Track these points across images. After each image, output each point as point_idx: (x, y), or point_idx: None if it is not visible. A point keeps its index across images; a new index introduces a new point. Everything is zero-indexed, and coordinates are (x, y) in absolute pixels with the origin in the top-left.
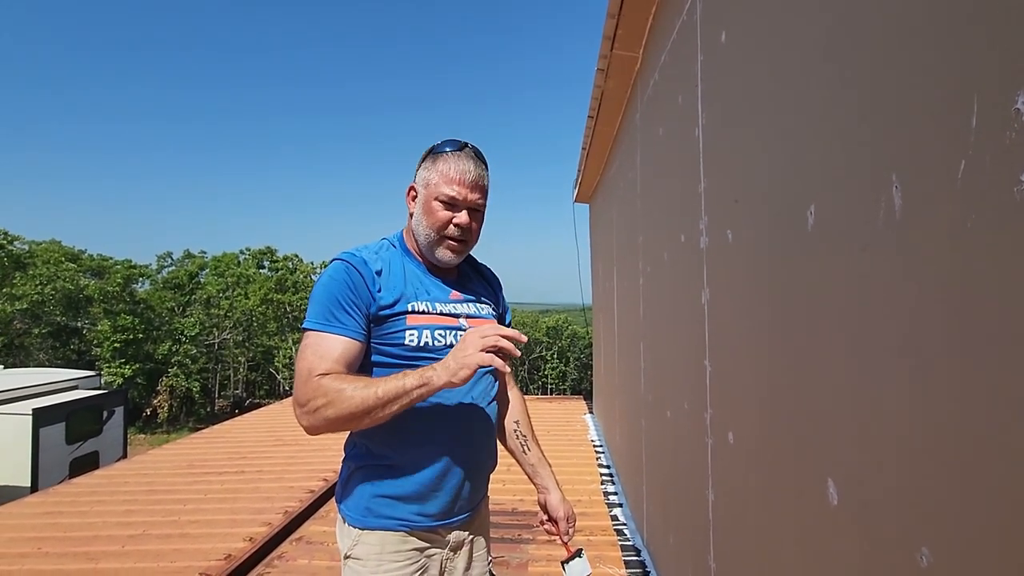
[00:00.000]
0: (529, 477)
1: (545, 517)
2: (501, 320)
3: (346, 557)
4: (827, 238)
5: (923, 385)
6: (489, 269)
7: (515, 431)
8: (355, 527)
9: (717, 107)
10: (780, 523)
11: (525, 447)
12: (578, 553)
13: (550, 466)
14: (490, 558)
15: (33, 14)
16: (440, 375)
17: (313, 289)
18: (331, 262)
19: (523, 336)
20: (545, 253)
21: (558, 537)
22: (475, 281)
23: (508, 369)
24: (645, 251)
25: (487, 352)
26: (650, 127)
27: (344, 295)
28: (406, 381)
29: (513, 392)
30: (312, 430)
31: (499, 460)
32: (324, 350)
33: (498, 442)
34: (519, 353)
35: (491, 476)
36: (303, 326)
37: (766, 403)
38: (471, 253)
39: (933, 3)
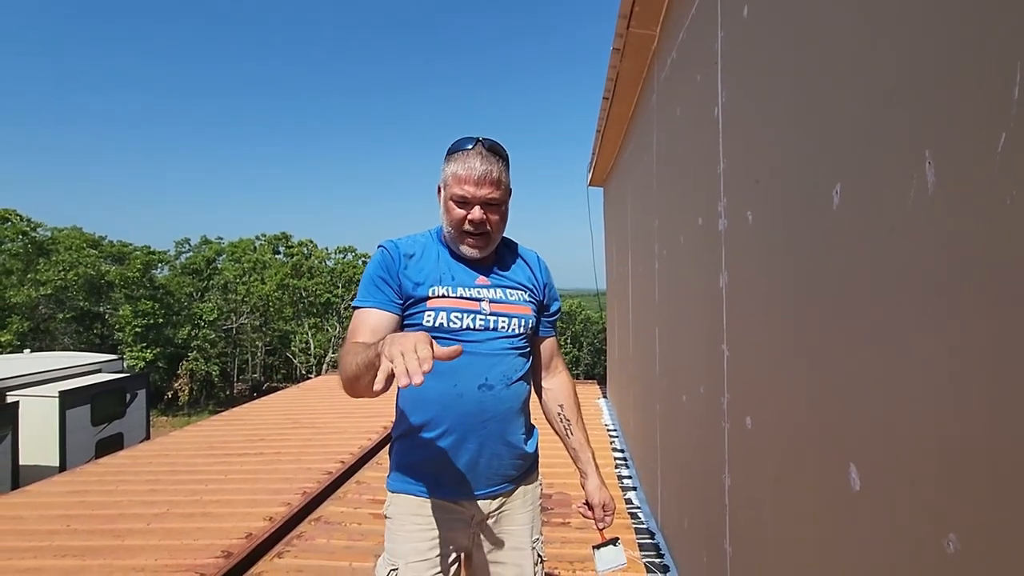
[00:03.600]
0: (572, 460)
1: (583, 500)
2: (544, 308)
3: (385, 516)
4: (854, 217)
5: (954, 369)
6: (535, 256)
7: (559, 415)
8: (389, 490)
9: (738, 85)
10: (799, 508)
11: (568, 431)
12: (612, 542)
13: (592, 451)
14: (536, 537)
15: None
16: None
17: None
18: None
19: (443, 353)
20: (558, 236)
21: (594, 522)
22: (513, 268)
23: (376, 388)
24: (661, 234)
25: (396, 359)
26: (667, 107)
27: (376, 275)
28: (370, 350)
29: (560, 376)
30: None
31: (539, 440)
32: (358, 323)
33: (548, 423)
34: (417, 380)
35: (533, 458)
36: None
37: (786, 388)
38: (516, 240)
39: None
